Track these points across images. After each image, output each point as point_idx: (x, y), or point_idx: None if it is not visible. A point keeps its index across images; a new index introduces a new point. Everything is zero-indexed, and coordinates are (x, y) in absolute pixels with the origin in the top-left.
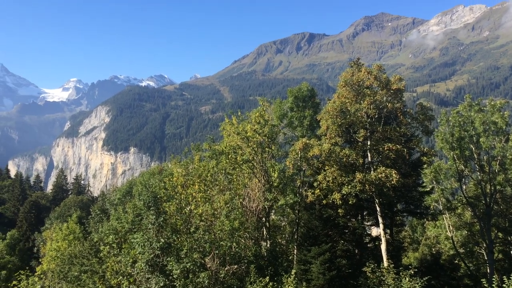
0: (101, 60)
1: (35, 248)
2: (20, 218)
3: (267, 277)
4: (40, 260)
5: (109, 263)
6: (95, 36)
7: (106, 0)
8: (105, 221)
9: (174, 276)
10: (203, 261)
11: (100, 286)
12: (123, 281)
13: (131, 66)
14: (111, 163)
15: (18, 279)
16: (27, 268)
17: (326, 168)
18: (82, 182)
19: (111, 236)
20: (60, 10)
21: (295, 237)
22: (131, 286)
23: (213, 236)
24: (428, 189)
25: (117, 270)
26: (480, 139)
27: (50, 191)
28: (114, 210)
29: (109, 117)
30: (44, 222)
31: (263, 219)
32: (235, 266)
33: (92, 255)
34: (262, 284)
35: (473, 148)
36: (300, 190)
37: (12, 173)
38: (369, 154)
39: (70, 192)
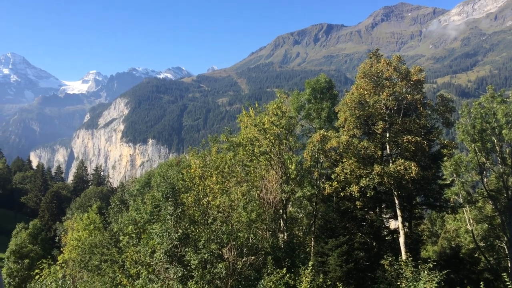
0: (120, 53)
1: (57, 237)
2: (42, 208)
3: (284, 269)
4: (61, 249)
5: (128, 253)
6: (113, 29)
7: None
8: (124, 211)
9: (192, 267)
10: (220, 252)
11: (119, 275)
12: (142, 271)
13: (149, 59)
14: (130, 154)
15: (41, 267)
16: (49, 257)
17: (344, 160)
18: (102, 173)
19: (130, 227)
20: (79, 2)
21: (312, 229)
22: (150, 276)
23: (230, 228)
24: (448, 182)
25: (136, 260)
26: (503, 131)
27: (71, 182)
28: (133, 201)
29: (127, 109)
30: (65, 212)
31: (280, 211)
32: (252, 258)
33: (112, 245)
34: (279, 275)
35: (495, 140)
36: (318, 182)
37: (34, 164)
38: (387, 146)
39: (90, 183)
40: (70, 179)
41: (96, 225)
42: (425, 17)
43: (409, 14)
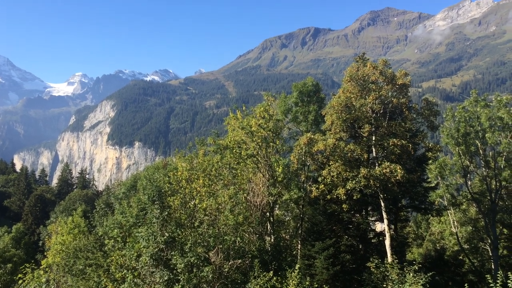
0: (106, 55)
1: (40, 241)
2: (26, 212)
3: (271, 272)
4: (45, 253)
5: (113, 257)
6: (100, 30)
7: None
8: (109, 215)
9: (178, 270)
10: (207, 255)
11: (104, 280)
12: (127, 275)
13: (136, 61)
14: (116, 157)
15: (24, 272)
16: (32, 261)
17: (330, 163)
18: (87, 176)
19: (115, 230)
20: (65, 3)
21: (299, 232)
22: (135, 280)
23: (217, 231)
24: (433, 185)
25: (121, 264)
26: (486, 135)
27: (55, 185)
28: (119, 204)
29: (114, 112)
30: (49, 215)
31: (267, 213)
32: (239, 261)
33: (97, 249)
34: (266, 278)
35: (479, 144)
36: (305, 185)
37: (18, 167)
38: (374, 149)
39: (75, 186)
40: (55, 182)
41: (80, 229)
42: (411, 22)
43: (395, 18)
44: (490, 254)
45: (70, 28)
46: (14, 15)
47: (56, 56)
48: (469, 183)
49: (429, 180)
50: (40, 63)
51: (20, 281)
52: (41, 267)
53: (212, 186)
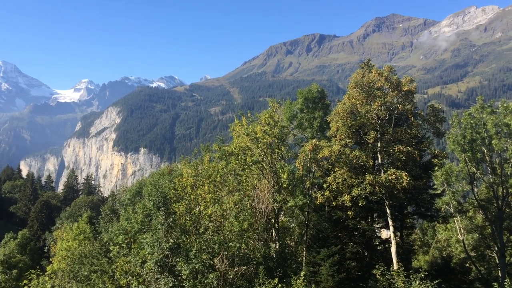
0: (112, 61)
1: (46, 247)
2: (31, 218)
3: (276, 279)
4: (50, 259)
5: (118, 263)
6: (106, 37)
7: (117, 0)
8: (115, 221)
9: (183, 277)
10: (212, 262)
11: (109, 286)
12: (132, 281)
13: (142, 67)
14: (121, 163)
15: (29, 278)
16: (37, 267)
17: (335, 170)
18: (93, 182)
19: (120, 236)
20: (72, 11)
21: (304, 238)
22: (140, 286)
23: (222, 237)
24: (439, 192)
25: (126, 270)
26: (492, 141)
27: (61, 191)
28: (124, 211)
29: (119, 118)
30: (55, 221)
31: (272, 220)
32: (244, 267)
33: (102, 255)
34: (271, 285)
35: (485, 151)
36: (310, 191)
37: (24, 173)
38: (379, 156)
39: (80, 192)
40: (61, 188)
41: (86, 235)
42: (416, 28)
43: (400, 25)
44: (497, 261)
45: (76, 35)
46: (21, 22)
47: (62, 63)
48: (476, 190)
49: (435, 187)
50: (47, 70)
51: (25, 287)
52: (46, 273)
53: (217, 193)
